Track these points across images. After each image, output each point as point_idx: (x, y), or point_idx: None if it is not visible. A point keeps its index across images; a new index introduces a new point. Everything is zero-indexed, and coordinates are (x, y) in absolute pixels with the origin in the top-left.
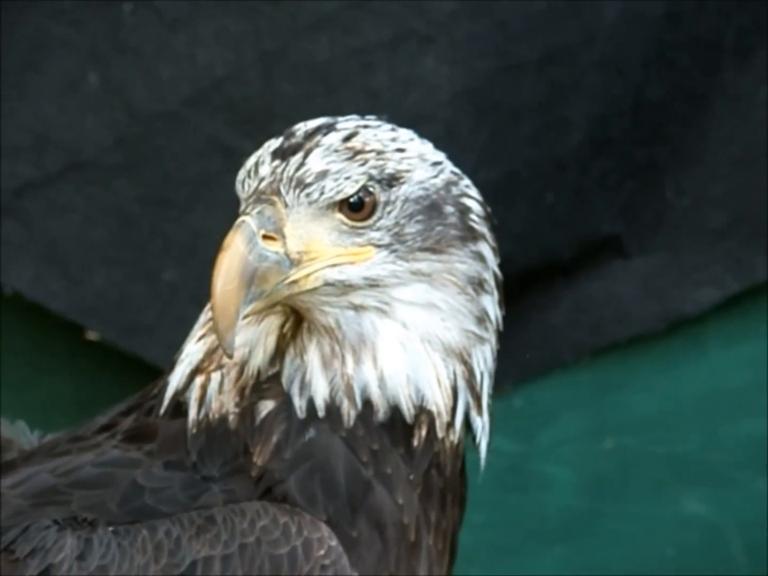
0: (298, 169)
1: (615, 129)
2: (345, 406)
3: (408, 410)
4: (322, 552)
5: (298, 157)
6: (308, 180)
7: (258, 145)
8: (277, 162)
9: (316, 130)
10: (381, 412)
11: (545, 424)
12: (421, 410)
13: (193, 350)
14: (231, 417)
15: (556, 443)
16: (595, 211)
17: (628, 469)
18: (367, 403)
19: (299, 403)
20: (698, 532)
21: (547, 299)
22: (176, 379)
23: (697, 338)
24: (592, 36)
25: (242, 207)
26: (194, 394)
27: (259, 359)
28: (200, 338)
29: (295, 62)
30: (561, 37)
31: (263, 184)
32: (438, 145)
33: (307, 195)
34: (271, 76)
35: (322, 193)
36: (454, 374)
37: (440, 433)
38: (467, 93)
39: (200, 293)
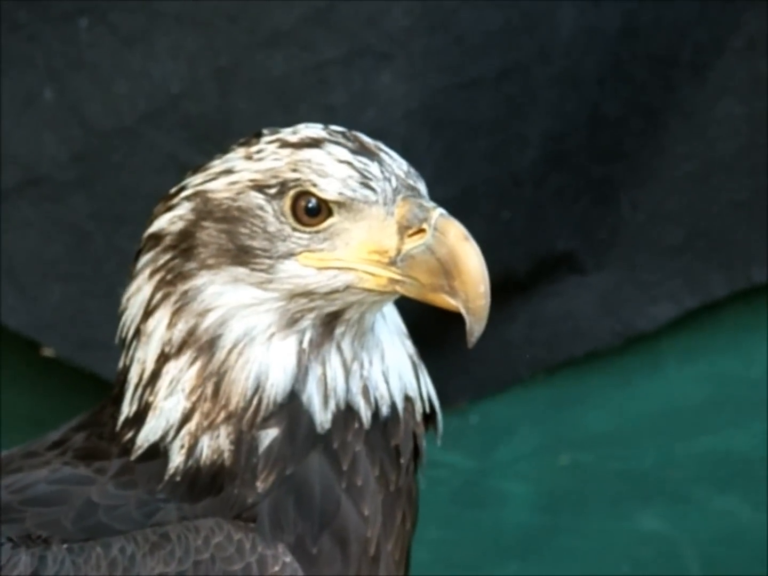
0: (406, 165)
1: (571, 145)
2: (362, 408)
3: (400, 402)
4: (276, 568)
5: (391, 154)
6: (416, 175)
7: None
8: (389, 159)
9: (343, 132)
10: (384, 408)
11: (501, 441)
12: (407, 399)
13: (171, 406)
14: (226, 455)
15: (512, 459)
16: (551, 228)
17: (584, 486)
18: (376, 403)
19: (321, 418)
20: (654, 548)
21: (503, 315)
22: (151, 432)
23: (653, 354)
24: (548, 52)
25: (389, 203)
26: (179, 443)
27: (279, 383)
28: (188, 396)
29: (252, 78)
30: (517, 53)
31: (398, 181)
32: None
33: (423, 188)
34: (227, 92)
35: (422, 187)
36: (412, 351)
37: (418, 418)
38: (423, 109)
39: None
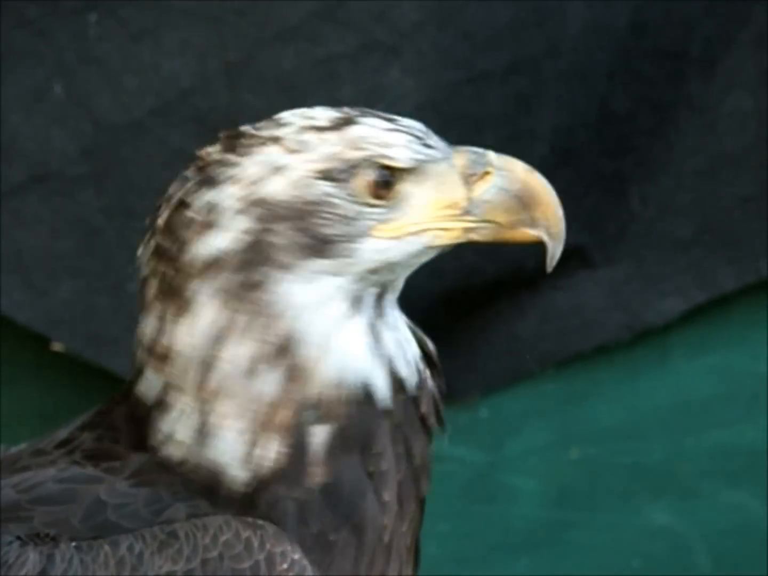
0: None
1: (580, 140)
2: (408, 378)
3: (414, 382)
4: (285, 566)
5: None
6: None
7: None
8: (405, 120)
9: (347, 108)
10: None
11: (511, 435)
12: (421, 381)
13: (232, 446)
14: (281, 456)
15: (521, 453)
16: None
17: (593, 480)
18: (418, 369)
19: (384, 395)
20: (664, 542)
21: (513, 310)
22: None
23: (662, 348)
24: (556, 47)
25: (448, 157)
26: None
27: (356, 370)
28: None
29: (261, 73)
30: (526, 47)
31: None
32: None
33: None
34: (236, 87)
35: None
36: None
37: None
38: (432, 104)
39: None
